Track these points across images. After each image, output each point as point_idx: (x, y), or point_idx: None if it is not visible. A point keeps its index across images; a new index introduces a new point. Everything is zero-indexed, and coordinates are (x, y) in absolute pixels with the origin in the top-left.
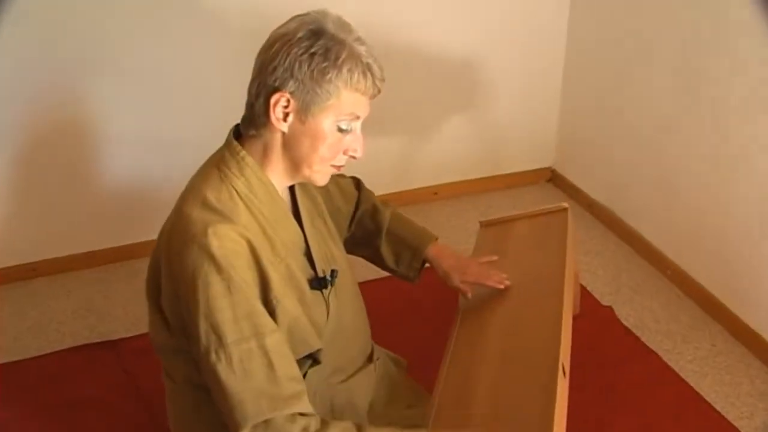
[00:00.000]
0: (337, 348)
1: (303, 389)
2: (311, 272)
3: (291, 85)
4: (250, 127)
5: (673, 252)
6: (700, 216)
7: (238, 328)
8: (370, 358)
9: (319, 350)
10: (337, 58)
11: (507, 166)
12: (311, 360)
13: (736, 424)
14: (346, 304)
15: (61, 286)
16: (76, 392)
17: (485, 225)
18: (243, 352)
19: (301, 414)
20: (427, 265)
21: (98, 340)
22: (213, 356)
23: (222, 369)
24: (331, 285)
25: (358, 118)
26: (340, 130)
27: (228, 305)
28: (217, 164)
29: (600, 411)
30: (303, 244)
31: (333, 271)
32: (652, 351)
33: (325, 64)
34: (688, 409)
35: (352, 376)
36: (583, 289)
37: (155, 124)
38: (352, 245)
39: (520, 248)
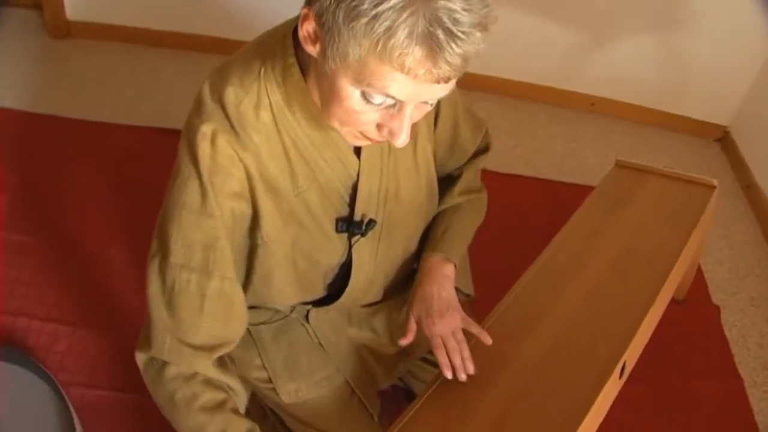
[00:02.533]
0: (368, 287)
1: (219, 351)
2: (347, 210)
3: (317, 6)
4: None
5: None
6: None
7: (188, 254)
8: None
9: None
10: (377, 3)
11: (676, 106)
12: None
13: None
14: (394, 246)
15: (180, 63)
16: (152, 175)
17: (620, 165)
18: (180, 281)
19: (205, 380)
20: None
21: None
22: (156, 264)
23: (154, 281)
24: (362, 235)
25: (394, 98)
26: (368, 100)
27: (192, 223)
28: (264, 57)
29: (649, 415)
30: (352, 179)
31: (370, 221)
32: (740, 377)
33: (355, 3)
34: None
35: (381, 309)
36: (698, 274)
37: None
38: None
39: (644, 208)
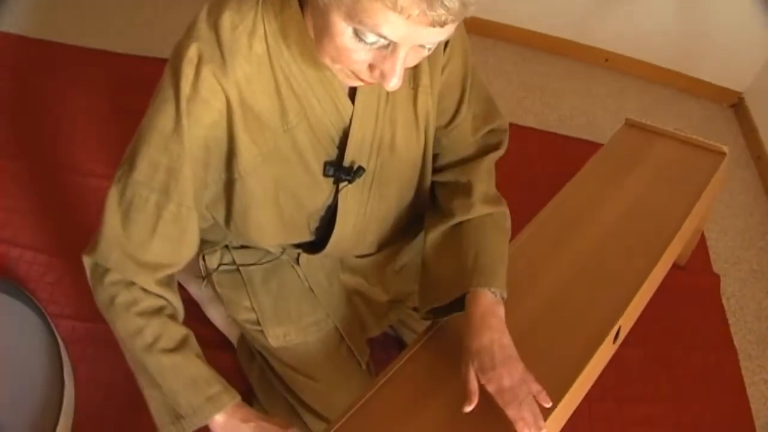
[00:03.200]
0: (358, 238)
1: (163, 271)
2: (336, 154)
3: None
4: None
5: None
6: None
7: (151, 174)
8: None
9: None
10: None
11: (692, 68)
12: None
13: None
14: (386, 199)
15: None
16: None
17: (629, 125)
18: (139, 198)
19: (143, 289)
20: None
21: None
22: (118, 173)
23: (113, 193)
24: (349, 182)
25: (386, 38)
26: (360, 39)
27: (160, 146)
28: None
29: (638, 380)
30: (345, 123)
31: (359, 169)
32: (734, 348)
33: None
34: (730, 430)
35: (368, 255)
36: (701, 242)
37: None
38: None
39: (651, 170)
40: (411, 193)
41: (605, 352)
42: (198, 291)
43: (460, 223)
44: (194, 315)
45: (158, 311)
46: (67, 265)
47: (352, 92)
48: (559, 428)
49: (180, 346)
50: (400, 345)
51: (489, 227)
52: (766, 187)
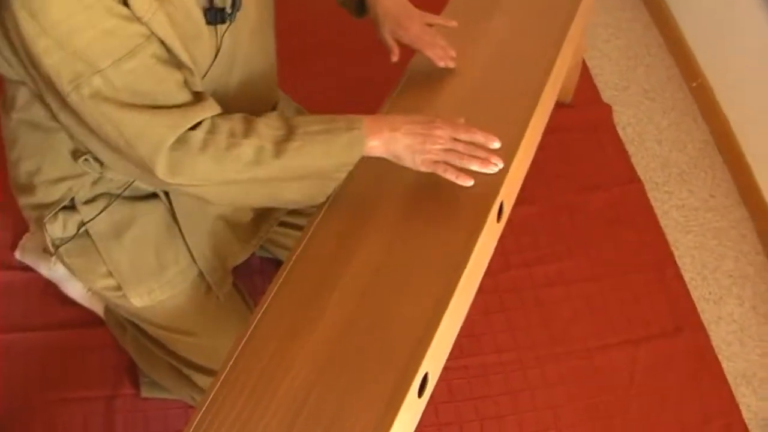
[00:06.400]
0: (230, 93)
1: (196, 92)
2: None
3: None
4: None
5: (707, 60)
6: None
7: (108, 49)
8: (274, 108)
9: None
10: None
11: None
12: None
13: (698, 304)
14: (248, 42)
15: None
16: None
17: None
18: (125, 75)
19: (220, 118)
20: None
21: None
22: (85, 90)
23: (95, 103)
24: (230, 20)
25: None
26: None
27: (86, 22)
28: None
29: (543, 238)
30: None
31: (234, 2)
32: (638, 179)
33: None
34: (649, 267)
35: None
36: (584, 72)
37: None
38: None
39: (511, 9)
40: (270, 38)
41: (490, 232)
42: (49, 272)
43: None
44: (52, 295)
45: (248, 120)
46: None
47: None
48: (465, 312)
49: (288, 123)
50: (278, 266)
51: None
52: None
